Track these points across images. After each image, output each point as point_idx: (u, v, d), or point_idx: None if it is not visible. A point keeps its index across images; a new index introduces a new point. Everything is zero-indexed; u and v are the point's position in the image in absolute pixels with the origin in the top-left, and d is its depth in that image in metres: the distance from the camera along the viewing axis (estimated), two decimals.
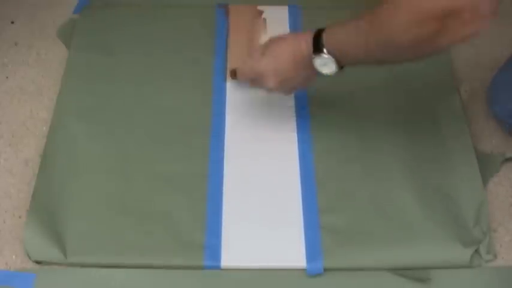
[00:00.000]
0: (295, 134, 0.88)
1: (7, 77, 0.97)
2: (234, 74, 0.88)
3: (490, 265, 0.77)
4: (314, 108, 0.91)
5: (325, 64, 0.72)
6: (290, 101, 0.91)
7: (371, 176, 0.83)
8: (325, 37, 0.71)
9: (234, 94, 0.93)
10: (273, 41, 0.79)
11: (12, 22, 1.05)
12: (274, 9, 1.05)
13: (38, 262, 0.76)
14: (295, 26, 1.02)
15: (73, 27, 1.02)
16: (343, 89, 0.93)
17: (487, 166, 0.85)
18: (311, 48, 0.72)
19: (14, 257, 0.77)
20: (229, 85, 0.94)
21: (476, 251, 0.76)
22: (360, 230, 0.78)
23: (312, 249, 0.76)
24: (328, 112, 0.90)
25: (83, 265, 0.76)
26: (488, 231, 0.78)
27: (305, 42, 0.73)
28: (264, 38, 0.99)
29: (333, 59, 0.71)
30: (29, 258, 0.76)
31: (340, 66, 0.72)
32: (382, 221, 0.79)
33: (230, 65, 0.96)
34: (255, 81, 0.81)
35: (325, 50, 0.71)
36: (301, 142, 0.87)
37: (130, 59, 0.97)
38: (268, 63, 0.77)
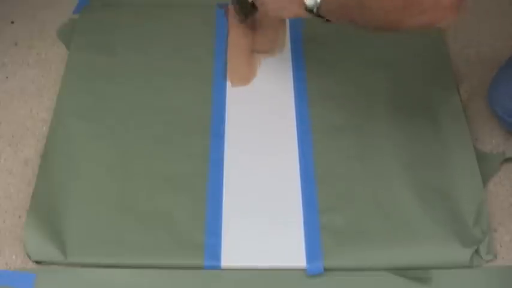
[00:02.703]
0: (296, 134, 0.88)
1: (7, 77, 0.97)
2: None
3: (490, 265, 0.77)
4: (314, 108, 0.91)
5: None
6: (290, 101, 0.91)
7: (371, 176, 0.83)
8: None
9: (234, 94, 0.93)
10: None
11: (12, 22, 1.05)
12: None
13: (38, 262, 0.76)
14: (295, 26, 1.02)
15: (73, 27, 1.02)
16: (343, 88, 0.93)
17: (487, 166, 0.85)
18: None
19: (14, 257, 0.77)
20: (229, 85, 0.94)
21: (476, 251, 0.76)
22: (360, 230, 0.78)
23: (312, 249, 0.76)
24: (328, 112, 0.90)
25: (83, 265, 0.76)
26: (488, 231, 0.78)
27: None
28: (263, 38, 1.00)
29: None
30: (29, 258, 0.76)
31: (321, 15, 0.75)
32: (382, 221, 0.79)
33: (230, 66, 0.96)
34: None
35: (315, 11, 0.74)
36: (302, 142, 0.87)
37: (131, 59, 0.97)
38: None
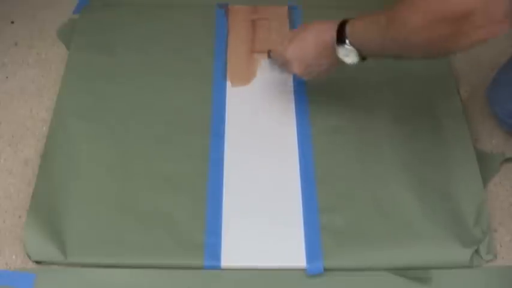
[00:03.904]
0: (296, 134, 0.88)
1: (7, 77, 0.97)
2: (269, 54, 0.91)
3: (490, 265, 0.77)
4: (314, 108, 0.91)
5: (348, 55, 0.74)
6: (290, 102, 0.91)
7: (371, 176, 0.83)
8: (348, 29, 0.72)
9: (234, 94, 0.93)
10: (301, 28, 0.81)
11: (12, 22, 1.05)
12: (274, 9, 1.05)
13: (38, 262, 0.76)
14: (295, 26, 1.02)
15: (73, 27, 1.02)
16: (343, 89, 0.93)
17: (487, 166, 0.85)
18: (335, 39, 0.74)
19: (14, 257, 0.77)
20: (229, 85, 0.94)
21: (476, 251, 0.76)
22: (360, 230, 0.78)
23: (312, 249, 0.76)
24: (329, 112, 0.90)
25: (83, 265, 0.76)
26: (488, 231, 0.78)
27: (329, 32, 0.75)
28: (263, 38, 1.00)
29: (355, 50, 0.73)
30: (29, 258, 0.76)
31: (362, 57, 0.74)
32: (382, 221, 0.79)
33: (230, 66, 0.96)
34: (283, 66, 0.84)
35: (347, 41, 0.72)
36: (302, 142, 0.87)
37: (131, 59, 0.97)
38: (294, 50, 0.80)
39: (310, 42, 0.78)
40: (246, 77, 0.95)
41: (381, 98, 0.92)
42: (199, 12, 1.04)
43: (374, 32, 0.69)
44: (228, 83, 0.94)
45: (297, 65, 0.80)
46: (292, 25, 1.02)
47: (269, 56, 0.90)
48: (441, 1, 0.59)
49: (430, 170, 0.84)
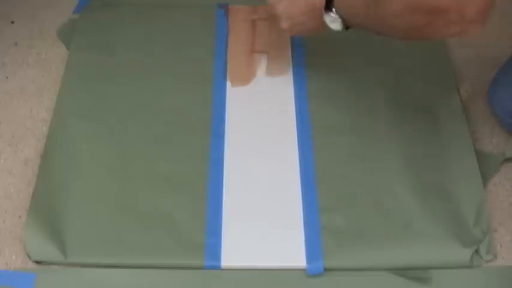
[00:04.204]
0: (296, 134, 0.88)
1: (7, 77, 0.97)
2: None
3: (490, 265, 0.77)
4: (314, 107, 0.91)
5: (333, 21, 0.77)
6: (290, 100, 0.91)
7: (371, 176, 0.83)
8: None
9: (234, 94, 0.93)
10: None
11: (12, 22, 1.05)
12: None
13: (38, 262, 0.76)
14: None
15: (73, 27, 1.02)
16: (343, 88, 0.93)
17: (487, 166, 0.85)
18: (323, 4, 0.76)
19: (14, 257, 0.77)
20: (229, 85, 0.94)
21: (476, 251, 0.76)
22: (360, 230, 0.78)
23: (312, 249, 0.76)
24: (328, 112, 0.90)
25: (83, 265, 0.76)
26: (488, 231, 0.78)
27: None
28: (263, 38, 1.00)
29: (340, 19, 0.76)
30: (29, 258, 0.76)
31: (346, 26, 0.76)
32: (382, 221, 0.79)
33: (230, 66, 0.96)
34: (272, 16, 0.87)
35: (333, 10, 0.75)
36: (302, 142, 0.87)
37: (131, 59, 0.97)
38: (285, 6, 0.83)
39: (300, 1, 0.81)
40: (246, 77, 0.95)
41: (381, 98, 0.92)
42: (199, 12, 1.04)
43: (359, 5, 0.71)
44: (228, 83, 0.94)
45: (284, 22, 0.83)
46: None
47: None
48: None
49: (430, 169, 0.84)
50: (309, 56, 0.97)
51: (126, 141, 0.87)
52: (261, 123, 0.89)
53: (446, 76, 0.95)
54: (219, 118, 0.90)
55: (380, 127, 0.88)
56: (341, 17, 0.75)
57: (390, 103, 0.91)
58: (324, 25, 0.78)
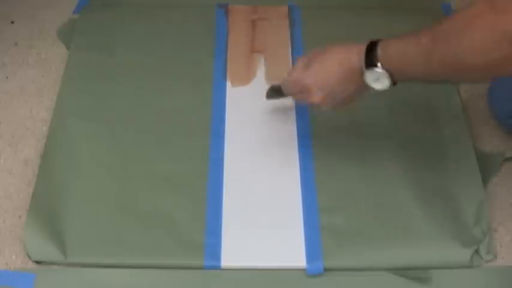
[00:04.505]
0: (296, 134, 0.88)
1: (7, 77, 0.97)
2: (269, 94, 0.84)
3: (490, 265, 0.77)
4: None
5: (378, 79, 0.67)
6: (291, 101, 0.91)
7: (371, 176, 0.83)
8: (380, 51, 0.65)
9: (234, 94, 0.93)
10: (318, 51, 0.73)
11: (12, 22, 1.05)
12: (274, 9, 1.05)
13: (38, 262, 0.76)
14: (295, 26, 1.02)
15: (73, 27, 1.02)
16: None
17: (487, 166, 0.85)
18: (363, 62, 0.66)
19: (14, 257, 0.77)
20: (229, 85, 0.94)
21: (476, 251, 0.76)
22: (360, 230, 0.78)
23: (312, 249, 0.76)
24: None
25: (83, 265, 0.76)
26: (488, 231, 0.78)
27: (356, 55, 0.68)
28: (263, 38, 1.00)
29: (387, 75, 0.66)
30: (29, 258, 0.76)
31: (394, 82, 0.67)
32: (382, 221, 0.79)
33: (230, 66, 0.96)
34: (299, 95, 0.75)
35: (379, 65, 0.65)
36: (301, 142, 0.87)
37: (131, 59, 0.97)
38: (313, 76, 0.72)
39: (331, 66, 0.70)
40: (246, 77, 0.95)
41: (381, 99, 0.91)
42: (199, 12, 1.04)
43: (414, 54, 0.62)
44: (228, 83, 0.94)
45: (316, 93, 0.71)
46: (292, 25, 1.02)
47: (268, 96, 0.85)
48: (503, 20, 0.54)
49: (430, 169, 0.84)
50: None
51: (126, 141, 0.87)
52: (261, 123, 0.89)
53: None
54: (219, 118, 0.90)
55: (380, 127, 0.89)
56: (389, 71, 0.65)
57: (390, 104, 0.91)
58: (366, 86, 0.68)
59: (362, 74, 0.67)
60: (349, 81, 0.70)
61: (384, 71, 0.65)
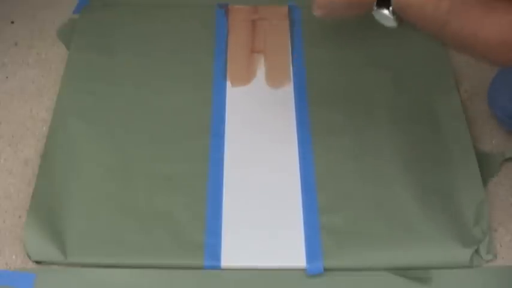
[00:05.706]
0: (295, 134, 0.88)
1: (7, 77, 0.97)
2: None
3: (490, 265, 0.77)
4: (314, 108, 0.91)
5: (385, 19, 0.67)
6: (290, 101, 0.91)
7: (371, 176, 0.83)
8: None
9: (234, 94, 0.93)
10: None
11: (12, 22, 1.05)
12: (275, 9, 1.05)
13: (38, 262, 0.76)
14: (295, 26, 1.02)
15: (73, 27, 1.02)
16: (343, 89, 0.93)
17: (487, 166, 0.85)
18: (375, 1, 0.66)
19: (14, 257, 0.77)
20: (229, 85, 0.94)
21: (476, 251, 0.76)
22: (360, 230, 0.78)
23: (312, 249, 0.76)
24: (328, 112, 0.90)
25: (83, 265, 0.76)
26: (488, 231, 0.78)
27: None
28: (263, 38, 1.00)
29: (396, 19, 0.66)
30: (29, 258, 0.76)
31: (400, 22, 0.67)
32: (382, 221, 0.79)
33: (230, 66, 0.96)
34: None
35: (390, 9, 0.65)
36: (301, 142, 0.87)
37: (131, 59, 0.97)
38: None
39: None
40: (246, 77, 0.95)
41: (381, 98, 0.92)
42: (200, 12, 1.04)
43: (431, 15, 0.61)
44: (228, 83, 0.94)
45: (320, 10, 0.72)
46: (292, 25, 1.02)
47: None
48: None
49: (430, 169, 0.84)
50: (309, 56, 0.97)
51: (126, 141, 0.87)
52: (261, 123, 0.89)
53: (446, 76, 0.95)
54: (219, 118, 0.90)
55: (380, 127, 0.88)
56: (398, 16, 0.65)
57: (390, 103, 0.91)
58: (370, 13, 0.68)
59: (370, 8, 0.67)
60: (354, 9, 0.69)
61: (394, 16, 0.65)
